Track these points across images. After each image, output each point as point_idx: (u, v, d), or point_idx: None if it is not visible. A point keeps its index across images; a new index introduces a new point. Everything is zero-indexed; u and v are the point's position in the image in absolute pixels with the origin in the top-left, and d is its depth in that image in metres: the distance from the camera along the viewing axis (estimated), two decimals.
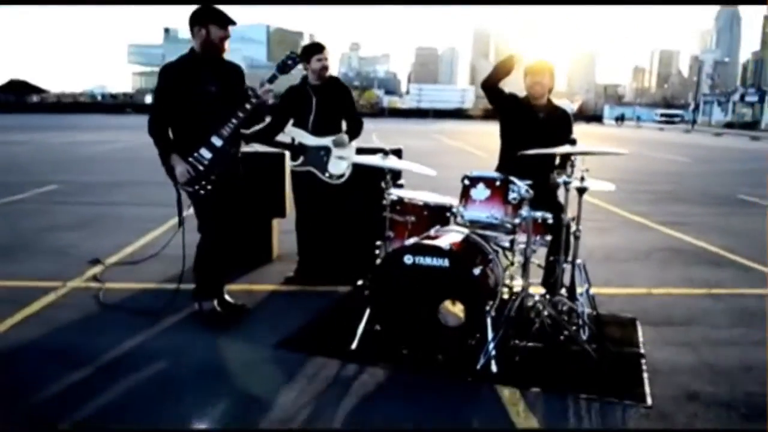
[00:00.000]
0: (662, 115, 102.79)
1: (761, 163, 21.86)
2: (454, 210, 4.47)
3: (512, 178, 4.24)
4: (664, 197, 12.07)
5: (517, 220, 4.21)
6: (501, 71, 4.76)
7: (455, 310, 3.85)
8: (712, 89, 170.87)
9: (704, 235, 8.18)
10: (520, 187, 4.19)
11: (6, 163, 16.39)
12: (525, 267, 4.29)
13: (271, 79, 4.38)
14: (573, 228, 4.38)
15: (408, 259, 3.91)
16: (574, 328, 4.23)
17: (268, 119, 5.08)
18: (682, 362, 4.10)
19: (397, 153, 5.39)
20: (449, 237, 4.18)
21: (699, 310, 5.21)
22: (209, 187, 4.32)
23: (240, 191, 4.55)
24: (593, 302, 4.42)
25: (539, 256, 4.64)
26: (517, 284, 4.58)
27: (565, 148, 4.23)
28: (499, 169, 4.84)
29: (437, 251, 3.88)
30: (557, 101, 5.10)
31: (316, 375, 3.80)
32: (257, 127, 4.81)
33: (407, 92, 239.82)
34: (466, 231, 4.32)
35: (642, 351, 4.24)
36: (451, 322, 3.86)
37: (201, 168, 4.27)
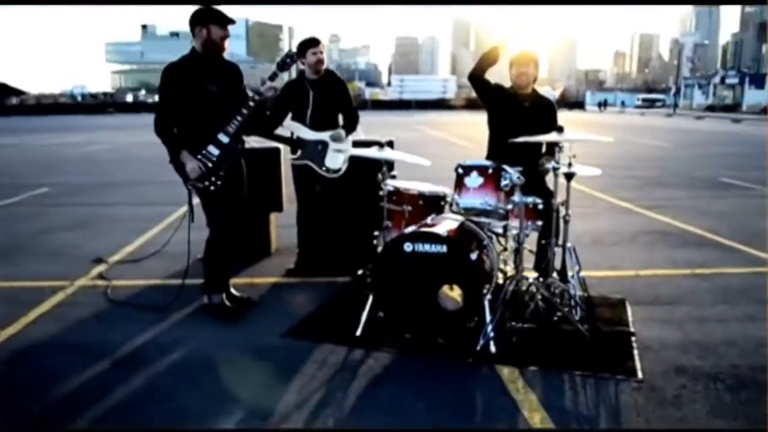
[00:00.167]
0: (643, 100, 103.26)
1: (743, 146, 22.16)
2: (449, 198, 4.65)
3: (504, 166, 4.43)
4: (648, 182, 12.31)
5: (509, 206, 4.40)
6: (486, 62, 4.93)
7: (453, 295, 4.02)
8: (692, 72, 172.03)
9: (688, 218, 8.41)
10: (512, 174, 4.38)
11: None
12: (518, 251, 4.50)
13: (272, 77, 4.55)
14: (562, 212, 4.58)
15: (408, 247, 4.08)
16: (566, 309, 4.42)
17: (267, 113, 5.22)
18: (669, 339, 4.30)
19: (390, 144, 5.54)
20: (446, 224, 4.36)
21: (684, 289, 5.42)
22: (219, 182, 4.46)
23: (243, 185, 4.71)
24: (584, 284, 4.62)
25: (530, 242, 4.81)
26: (510, 269, 4.79)
27: (553, 136, 4.41)
28: (488, 157, 5.02)
29: (435, 238, 4.05)
30: (540, 89, 5.27)
31: (325, 360, 3.98)
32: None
33: (389, 84, 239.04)
34: (461, 218, 4.50)
35: (632, 329, 4.43)
36: (450, 306, 4.04)
37: (210, 164, 4.41)
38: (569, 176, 4.49)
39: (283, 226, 6.74)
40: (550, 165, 4.45)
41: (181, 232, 5.25)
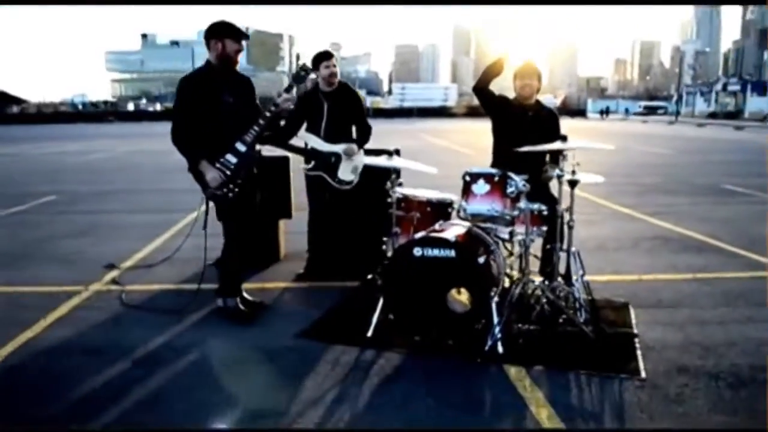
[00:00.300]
0: (645, 107, 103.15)
1: (745, 154, 22.20)
2: (456, 205, 4.79)
3: (510, 174, 4.56)
4: (650, 189, 12.40)
5: (515, 212, 4.54)
6: (490, 74, 5.08)
7: (462, 298, 4.15)
8: (694, 80, 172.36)
9: (689, 224, 8.51)
10: (518, 181, 4.52)
11: (1, 176, 16.58)
12: (524, 256, 4.63)
13: (288, 89, 4.72)
14: (567, 218, 4.72)
15: (417, 252, 4.21)
16: (571, 311, 4.55)
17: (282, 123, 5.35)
18: (671, 340, 4.42)
19: (397, 153, 5.66)
20: (454, 230, 4.48)
21: (686, 293, 5.53)
22: (237, 190, 4.60)
23: (256, 193, 4.84)
24: (588, 288, 4.75)
25: (535, 247, 4.93)
26: (517, 273, 4.92)
27: (557, 145, 4.55)
28: (494, 165, 5.15)
29: (444, 243, 4.18)
30: (541, 97, 5.41)
31: (338, 361, 4.10)
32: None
33: (389, 92, 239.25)
34: (468, 224, 4.62)
35: (635, 331, 4.56)
36: (459, 309, 4.16)
37: (228, 173, 4.55)
38: (573, 183, 4.62)
39: (291, 233, 6.87)
40: (554, 173, 4.59)
41: (191, 238, 5.38)
